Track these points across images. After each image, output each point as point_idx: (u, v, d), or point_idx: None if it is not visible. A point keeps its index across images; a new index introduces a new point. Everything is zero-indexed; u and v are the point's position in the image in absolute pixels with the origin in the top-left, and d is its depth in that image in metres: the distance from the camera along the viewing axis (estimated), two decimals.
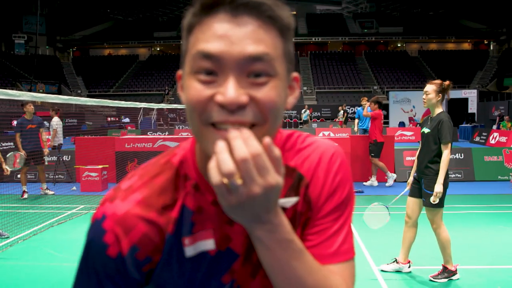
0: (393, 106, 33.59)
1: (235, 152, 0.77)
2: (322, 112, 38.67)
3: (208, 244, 0.95)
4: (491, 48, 54.07)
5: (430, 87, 5.03)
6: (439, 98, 5.00)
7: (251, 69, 0.83)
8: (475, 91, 35.27)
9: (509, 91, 42.52)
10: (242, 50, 0.82)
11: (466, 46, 57.14)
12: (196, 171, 0.97)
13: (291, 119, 35.14)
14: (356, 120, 13.79)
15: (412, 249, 5.37)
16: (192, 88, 0.84)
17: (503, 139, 18.71)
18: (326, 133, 18.50)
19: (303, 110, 29.82)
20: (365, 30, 57.07)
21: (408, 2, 57.18)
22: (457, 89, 36.41)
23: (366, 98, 13.12)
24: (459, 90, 35.27)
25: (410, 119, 31.68)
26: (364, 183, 11.49)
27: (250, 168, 0.77)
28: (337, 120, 27.49)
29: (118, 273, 0.94)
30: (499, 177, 11.62)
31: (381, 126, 11.04)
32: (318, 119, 36.63)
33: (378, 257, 5.95)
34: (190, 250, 0.95)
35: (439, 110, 5.04)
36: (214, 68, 0.82)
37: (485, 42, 55.84)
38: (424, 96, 5.10)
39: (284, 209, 0.92)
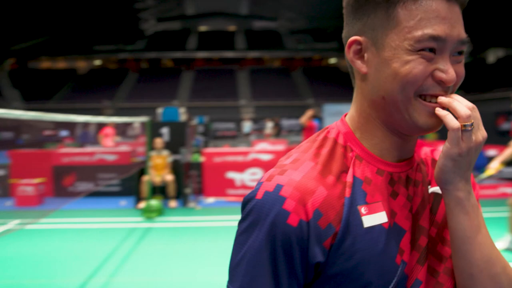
0: (327, 118, 34.22)
1: (462, 104, 0.89)
2: (260, 124, 39.08)
3: (382, 217, 0.92)
4: None
5: None
6: None
7: (458, 49, 0.91)
8: None
9: None
10: (459, 34, 0.90)
11: None
12: (357, 143, 0.98)
13: (230, 131, 34.96)
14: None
15: None
16: (415, 63, 0.88)
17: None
18: (263, 145, 18.47)
19: (246, 124, 29.48)
20: (301, 46, 57.96)
21: (342, 19, 58.52)
22: None
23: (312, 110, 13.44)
24: None
25: None
26: None
27: (477, 116, 0.90)
28: (264, 132, 27.17)
29: (298, 248, 0.87)
30: None
31: None
32: (256, 131, 36.83)
33: None
34: (367, 220, 0.91)
35: None
36: (436, 47, 0.88)
37: None
38: None
39: None
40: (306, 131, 11.13)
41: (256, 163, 11.04)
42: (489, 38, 41.95)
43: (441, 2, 0.87)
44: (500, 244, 6.22)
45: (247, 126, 27.53)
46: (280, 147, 13.61)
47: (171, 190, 10.17)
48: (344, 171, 0.95)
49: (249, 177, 11.02)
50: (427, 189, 0.99)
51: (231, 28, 62.34)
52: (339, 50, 57.65)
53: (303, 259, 0.88)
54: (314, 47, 58.05)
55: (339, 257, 0.89)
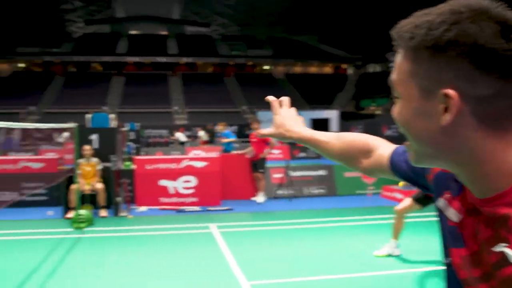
0: (262, 125, 34.64)
1: None
2: (194, 131, 38.54)
3: (452, 213, 0.98)
4: (350, 72, 57.98)
5: None
6: None
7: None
8: (336, 111, 37.40)
9: (365, 112, 45.76)
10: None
11: (328, 69, 60.67)
12: None
13: (162, 138, 34.42)
14: (225, 140, 14.39)
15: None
16: None
17: None
18: (197, 152, 18.45)
19: (177, 134, 28.97)
20: (234, 52, 58.25)
21: (273, 27, 59.44)
22: (320, 110, 38.38)
23: (224, 124, 13.96)
24: (322, 111, 37.19)
25: None
26: (253, 198, 11.76)
27: None
28: (199, 139, 27.13)
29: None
30: (357, 191, 12.23)
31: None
32: (189, 138, 36.50)
33: (250, 271, 5.99)
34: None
35: None
36: None
37: (344, 66, 59.77)
38: None
39: None
40: (256, 143, 11.41)
41: (189, 171, 10.98)
42: None
43: None
44: (384, 249, 6.66)
45: (181, 136, 27.15)
46: (214, 154, 13.61)
47: (101, 199, 9.95)
48: None
49: (182, 185, 10.96)
50: None
51: (163, 32, 61.70)
52: (272, 57, 58.39)
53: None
54: (247, 54, 58.49)
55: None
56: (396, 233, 6.52)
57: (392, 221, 6.58)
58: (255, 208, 11.03)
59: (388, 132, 27.70)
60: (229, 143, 14.35)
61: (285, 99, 1.58)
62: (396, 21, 0.93)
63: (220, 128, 13.95)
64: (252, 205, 11.26)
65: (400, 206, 6.49)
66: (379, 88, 46.79)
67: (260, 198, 11.59)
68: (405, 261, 6.44)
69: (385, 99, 44.73)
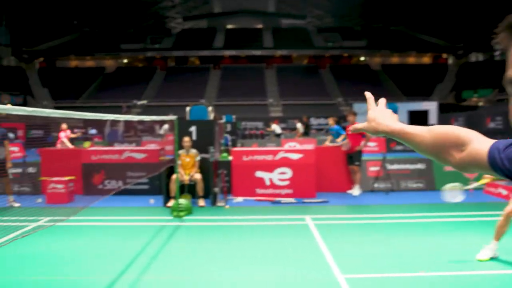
0: (358, 117, 34.02)
1: None
2: (289, 123, 38.62)
3: None
4: (450, 62, 55.21)
5: None
6: None
7: None
8: (435, 103, 35.83)
9: (467, 104, 43.45)
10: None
11: (426, 60, 58.21)
12: None
13: (257, 130, 34.78)
14: (330, 137, 13.98)
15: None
16: None
17: None
18: (292, 144, 18.45)
19: (273, 125, 29.10)
20: (329, 44, 57.51)
21: (369, 17, 57.99)
22: (418, 101, 36.95)
23: (335, 119, 13.38)
24: (420, 102, 35.80)
25: None
26: (349, 191, 11.67)
27: None
28: (297, 131, 27.22)
29: None
30: None
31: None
32: (284, 130, 36.60)
33: (344, 264, 5.93)
34: None
35: None
36: None
37: (444, 56, 56.98)
38: None
39: None
40: (352, 135, 11.33)
41: (285, 163, 11.00)
42: None
43: None
44: (486, 253, 6.16)
45: (277, 128, 27.32)
46: (309, 146, 13.53)
47: (200, 189, 10.18)
48: None
49: (278, 177, 11.00)
50: None
51: (258, 26, 62.20)
52: (368, 48, 57.00)
53: None
54: (343, 45, 57.46)
55: None
56: (499, 235, 6.11)
57: (497, 220, 6.18)
58: (351, 201, 10.89)
59: (492, 125, 26.13)
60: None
61: (383, 100, 1.59)
62: (502, 6, 0.86)
63: (330, 123, 13.65)
64: (347, 198, 11.14)
65: (510, 207, 6.01)
66: (483, 78, 44.21)
67: (356, 191, 11.47)
68: (506, 263, 6.05)
69: (489, 90, 42.17)
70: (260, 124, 36.57)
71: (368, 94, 1.59)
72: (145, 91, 49.13)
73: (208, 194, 10.31)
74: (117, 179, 11.41)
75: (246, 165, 11.02)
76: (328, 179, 11.67)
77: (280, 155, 11.06)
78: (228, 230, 8.05)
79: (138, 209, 9.90)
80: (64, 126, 15.54)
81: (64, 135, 15.64)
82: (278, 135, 27.08)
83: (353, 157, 11.39)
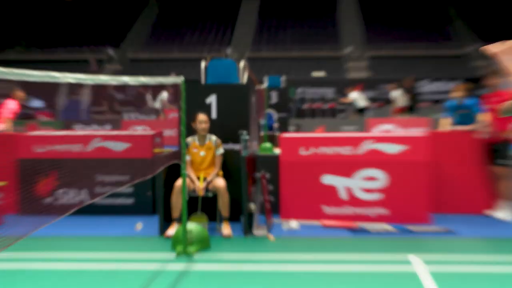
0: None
1: None
2: (381, 91, 33.44)
3: None
4: None
5: None
6: None
7: None
8: None
9: None
10: None
11: None
12: None
13: (325, 103, 30.81)
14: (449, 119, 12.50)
15: None
16: None
17: None
18: (387, 126, 16.70)
19: (352, 94, 25.89)
20: None
21: None
22: None
23: (465, 86, 11.90)
24: None
25: None
26: (490, 211, 10.42)
27: None
28: (394, 105, 23.94)
29: None
30: None
31: None
32: (372, 102, 30.75)
33: None
34: None
35: None
36: None
37: None
38: None
39: None
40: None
41: (374, 160, 9.81)
42: None
43: None
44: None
45: (359, 98, 24.04)
46: (417, 131, 12.87)
47: (223, 204, 9.17)
48: None
49: (362, 184, 9.79)
50: None
51: None
52: None
53: None
54: None
55: None
56: None
57: None
58: (493, 230, 9.65)
59: None
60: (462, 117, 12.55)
61: None
62: None
63: (457, 94, 11.42)
64: (488, 225, 9.96)
65: None
66: None
67: (503, 211, 10.25)
68: None
69: None
70: (329, 92, 34.02)
71: None
72: (128, 35, 45.62)
73: (238, 215, 9.37)
74: (79, 187, 10.26)
75: (306, 164, 9.99)
76: (452, 191, 10.63)
77: (366, 146, 9.83)
78: (274, 281, 7.13)
79: (116, 241, 8.96)
80: (17, 95, 13.80)
81: (10, 111, 14.67)
82: (361, 111, 25.16)
83: (498, 150, 10.21)
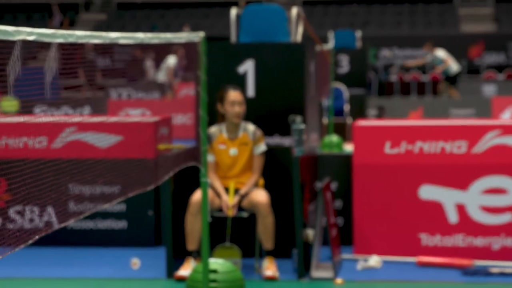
0: None
1: None
2: (510, 55, 28.26)
3: None
4: None
5: None
6: None
7: None
8: None
9: None
10: None
11: None
12: None
13: (424, 72, 26.63)
14: None
15: None
16: None
17: None
18: None
19: (438, 52, 21.66)
20: None
21: None
22: None
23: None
24: None
25: None
26: None
27: None
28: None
29: None
30: None
31: None
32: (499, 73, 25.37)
33: None
34: None
35: None
36: None
37: None
38: None
39: None
40: None
41: (501, 163, 7.63)
42: None
43: None
44: None
45: (444, 56, 20.82)
46: None
47: (267, 232, 7.30)
48: None
49: (481, 201, 7.62)
50: None
51: None
52: None
53: None
54: None
55: None
56: None
57: None
58: None
59: None
60: None
61: None
62: None
63: None
64: None
65: None
66: None
67: None
68: None
69: None
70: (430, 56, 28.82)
71: None
72: None
73: (289, 247, 7.49)
74: (43, 203, 7.71)
75: (394, 169, 7.96)
76: None
77: (490, 141, 7.60)
78: None
79: (101, 287, 7.43)
80: None
81: None
82: (453, 79, 21.61)
83: None
